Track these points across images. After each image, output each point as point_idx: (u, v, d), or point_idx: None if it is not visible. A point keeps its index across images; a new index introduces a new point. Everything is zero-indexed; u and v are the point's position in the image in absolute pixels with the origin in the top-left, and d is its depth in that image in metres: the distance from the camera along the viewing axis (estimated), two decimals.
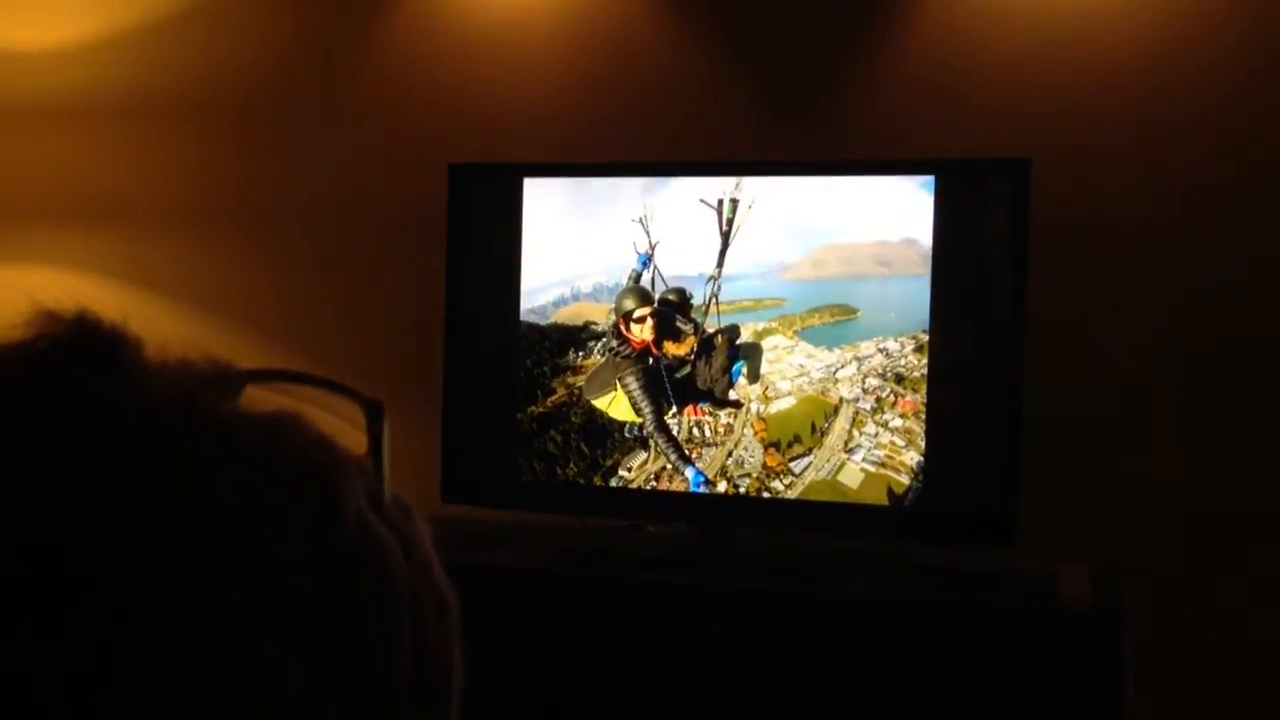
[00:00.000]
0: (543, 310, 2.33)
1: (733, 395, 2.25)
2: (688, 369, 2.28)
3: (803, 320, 2.21)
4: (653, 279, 2.27)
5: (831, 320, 2.20)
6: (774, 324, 2.23)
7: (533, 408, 2.33)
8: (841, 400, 2.18)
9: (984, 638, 2.02)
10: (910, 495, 2.14)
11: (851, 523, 2.18)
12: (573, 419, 2.32)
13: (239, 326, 2.72)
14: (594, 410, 2.31)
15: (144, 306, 2.76)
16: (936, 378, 2.12)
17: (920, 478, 2.13)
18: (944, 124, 2.34)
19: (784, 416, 2.22)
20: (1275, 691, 2.22)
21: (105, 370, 0.33)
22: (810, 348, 2.21)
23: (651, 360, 2.29)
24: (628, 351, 2.30)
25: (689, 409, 2.27)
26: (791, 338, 2.22)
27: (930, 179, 2.13)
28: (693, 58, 2.47)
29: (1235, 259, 2.23)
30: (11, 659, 0.28)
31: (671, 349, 2.29)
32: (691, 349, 2.27)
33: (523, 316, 2.34)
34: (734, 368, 2.25)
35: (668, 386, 2.28)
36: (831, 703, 2.04)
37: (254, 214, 2.74)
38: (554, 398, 2.33)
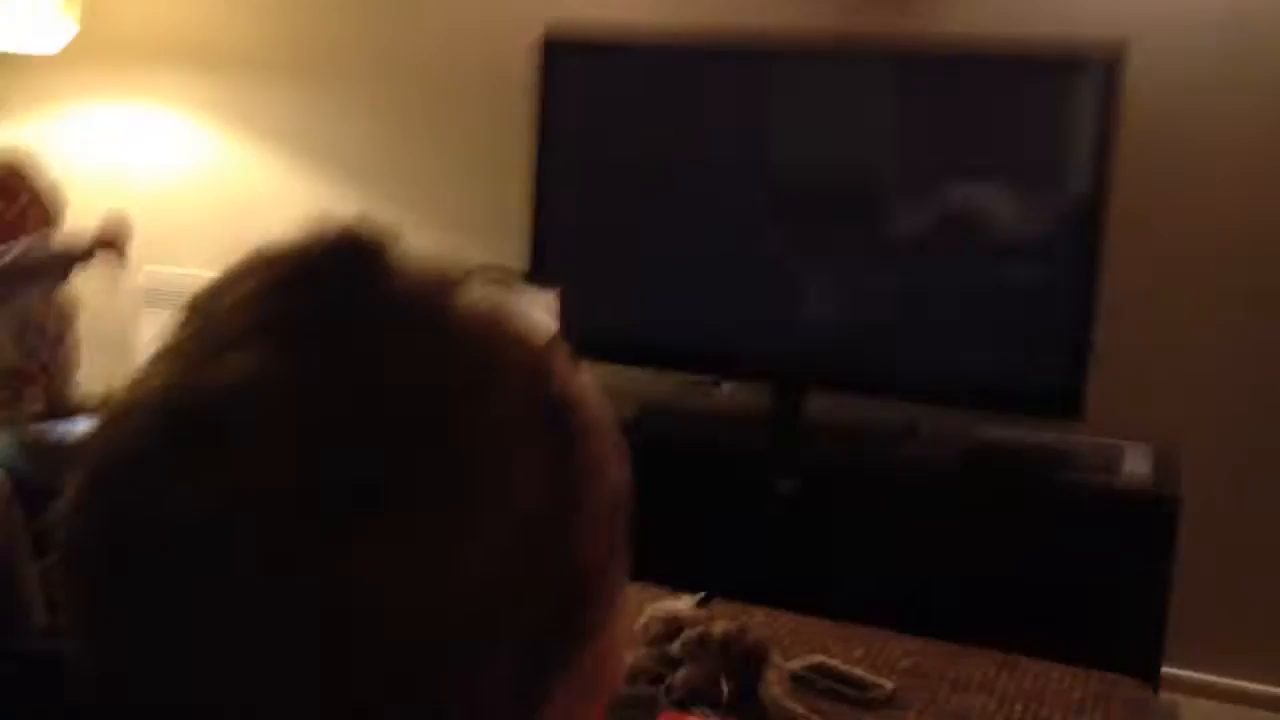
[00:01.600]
0: (637, 170, 2.39)
1: None
2: None
3: None
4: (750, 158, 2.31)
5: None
6: None
7: (614, 250, 2.40)
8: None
9: (1047, 508, 2.10)
10: (980, 367, 2.20)
11: (922, 391, 2.25)
12: (644, 270, 2.39)
13: (327, 170, 2.82)
14: (669, 264, 2.38)
15: (240, 146, 2.86)
16: (1014, 254, 2.16)
17: (991, 350, 2.19)
18: (1026, 6, 2.33)
19: None
20: None
21: (373, 272, 0.43)
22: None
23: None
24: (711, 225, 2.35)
25: None
26: None
27: (1014, 64, 2.14)
28: None
29: None
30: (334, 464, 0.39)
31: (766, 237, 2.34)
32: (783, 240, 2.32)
33: (615, 175, 2.40)
34: None
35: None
36: (894, 565, 2.14)
37: (349, 66, 2.80)
38: (635, 246, 2.39)
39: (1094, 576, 2.06)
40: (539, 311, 0.46)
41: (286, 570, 0.38)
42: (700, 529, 2.23)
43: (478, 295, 0.44)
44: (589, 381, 0.47)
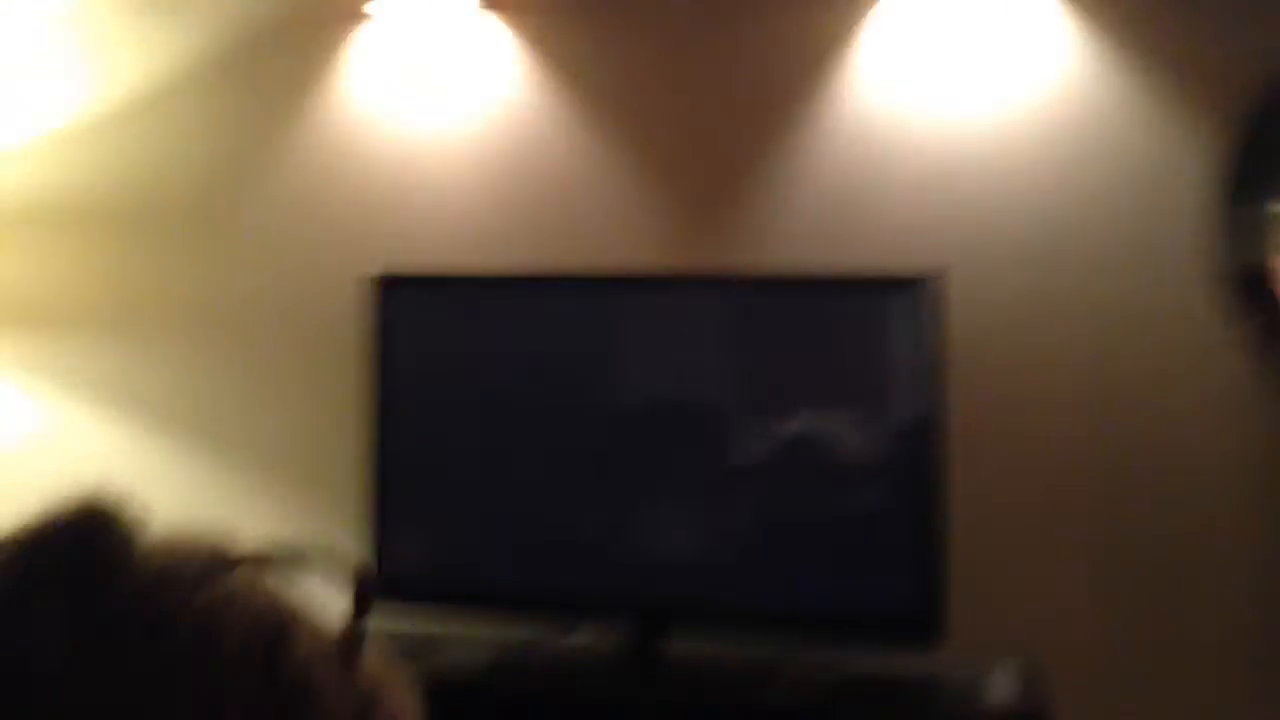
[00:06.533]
0: (471, 418, 2.34)
1: None
2: None
3: None
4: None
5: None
6: None
7: (458, 502, 2.33)
8: None
9: None
10: (836, 598, 2.16)
11: (780, 627, 2.19)
12: (486, 522, 2.31)
13: (161, 430, 2.70)
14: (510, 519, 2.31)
15: (67, 410, 2.73)
16: (859, 486, 2.16)
17: (846, 580, 2.15)
18: (851, 239, 2.40)
19: None
20: None
21: (101, 547, 0.41)
22: None
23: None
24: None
25: None
26: None
27: (842, 293, 2.19)
28: (601, 168, 2.53)
29: (1142, 370, 2.31)
30: None
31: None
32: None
33: (451, 425, 2.34)
34: None
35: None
36: None
37: (177, 319, 2.72)
38: (481, 496, 2.32)
39: None
40: (327, 593, 0.44)
41: None
42: None
43: (238, 584, 0.42)
44: (383, 687, 0.44)
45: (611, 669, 2.20)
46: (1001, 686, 2.12)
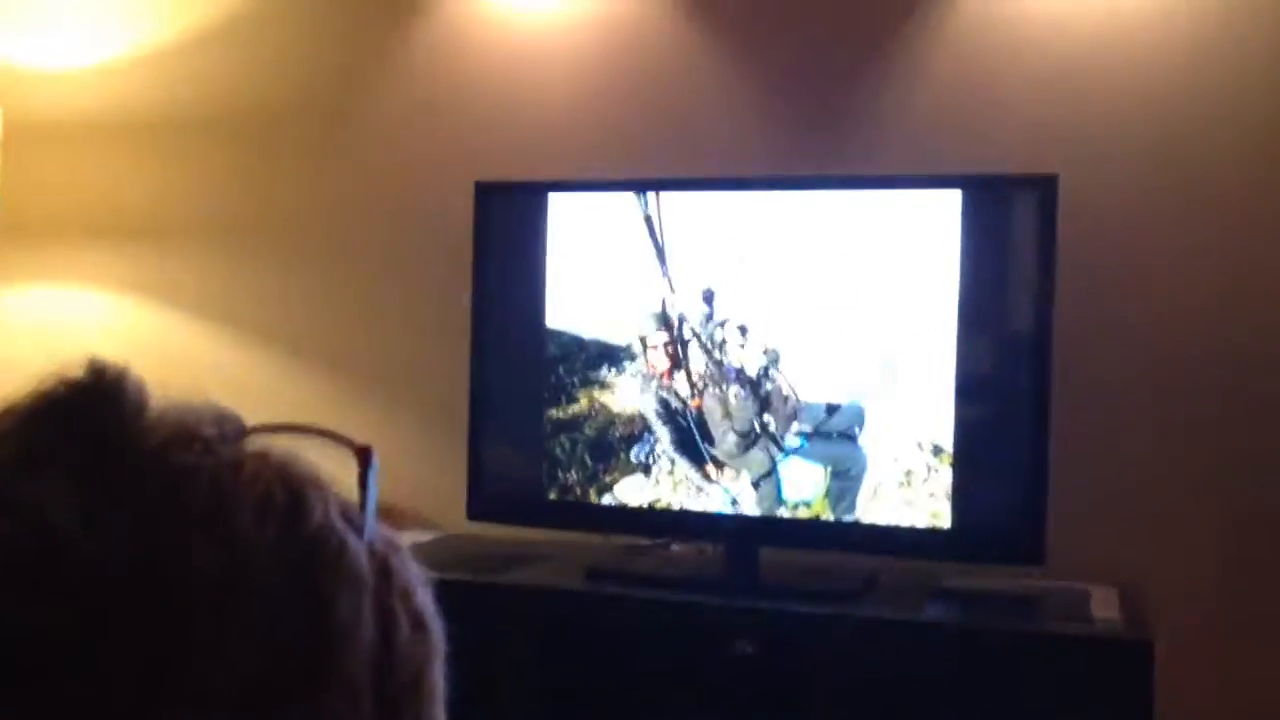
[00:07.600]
0: (573, 327, 2.33)
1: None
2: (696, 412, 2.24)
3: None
4: (674, 303, 2.26)
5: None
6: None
7: (555, 412, 2.33)
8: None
9: (1016, 658, 2.01)
10: (938, 515, 2.12)
11: (878, 543, 2.17)
12: (586, 431, 2.31)
13: (264, 342, 2.74)
14: (608, 425, 2.30)
15: (172, 323, 2.78)
16: (963, 396, 2.11)
17: (948, 497, 2.11)
18: (969, 140, 2.33)
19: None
20: None
21: (109, 409, 0.41)
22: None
23: (666, 391, 2.27)
24: (649, 375, 2.28)
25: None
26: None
27: (956, 194, 2.12)
28: (716, 73, 2.48)
29: (1264, 274, 2.21)
30: (12, 612, 0.36)
31: (680, 383, 2.26)
32: (695, 388, 2.25)
33: (551, 333, 2.33)
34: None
35: (691, 429, 2.25)
36: None
37: (281, 231, 2.75)
38: (575, 408, 2.32)
39: None
40: (326, 465, 0.44)
41: None
42: (654, 698, 2.11)
43: (250, 446, 0.42)
44: (396, 555, 0.43)
45: (707, 584, 2.20)
46: (1102, 607, 2.09)
